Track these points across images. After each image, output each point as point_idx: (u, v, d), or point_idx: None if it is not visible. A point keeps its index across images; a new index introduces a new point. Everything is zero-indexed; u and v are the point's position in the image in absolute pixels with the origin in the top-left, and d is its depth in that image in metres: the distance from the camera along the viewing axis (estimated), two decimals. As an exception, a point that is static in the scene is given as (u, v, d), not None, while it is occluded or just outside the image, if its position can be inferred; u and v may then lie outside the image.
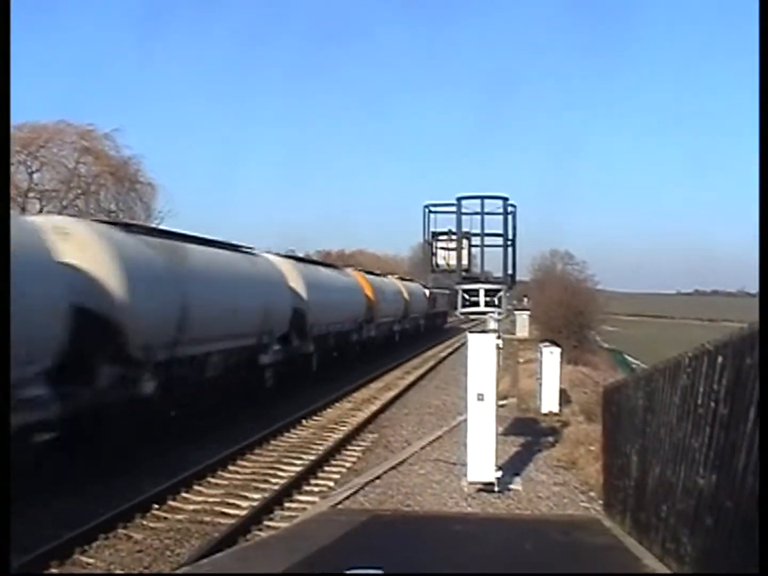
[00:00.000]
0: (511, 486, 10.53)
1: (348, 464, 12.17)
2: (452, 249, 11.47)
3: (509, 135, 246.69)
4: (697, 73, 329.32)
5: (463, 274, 11.64)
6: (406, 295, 37.76)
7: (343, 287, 25.35)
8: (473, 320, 31.68)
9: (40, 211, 31.03)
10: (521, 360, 27.31)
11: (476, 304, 11.43)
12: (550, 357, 16.72)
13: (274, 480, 10.98)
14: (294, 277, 19.29)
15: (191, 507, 9.60)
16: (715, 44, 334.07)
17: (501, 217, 11.33)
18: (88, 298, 10.14)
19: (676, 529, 4.78)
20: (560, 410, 16.50)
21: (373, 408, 17.49)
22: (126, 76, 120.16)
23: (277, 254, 21.21)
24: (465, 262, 11.54)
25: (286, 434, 14.25)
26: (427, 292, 45.20)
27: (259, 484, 10.80)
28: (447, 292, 41.16)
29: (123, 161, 36.99)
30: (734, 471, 3.77)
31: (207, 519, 9.14)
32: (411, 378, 24.10)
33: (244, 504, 9.75)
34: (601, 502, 8.77)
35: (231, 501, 9.90)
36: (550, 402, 16.50)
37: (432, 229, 11.60)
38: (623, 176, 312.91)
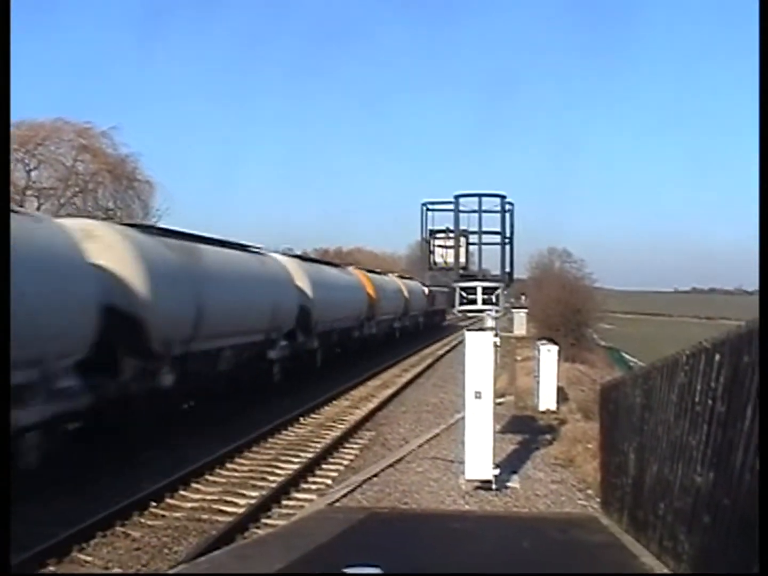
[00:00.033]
0: (509, 484, 10.54)
1: (346, 462, 12.18)
2: (450, 247, 11.47)
3: (509, 135, 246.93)
4: (697, 73, 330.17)
5: (461, 272, 11.64)
6: (406, 293, 38.11)
7: (345, 285, 26.00)
8: (471, 318, 31.71)
9: (38, 209, 30.97)
10: (519, 358, 27.32)
11: (474, 302, 11.44)
12: (548, 355, 16.74)
13: (271, 478, 10.99)
14: (300, 276, 20.09)
15: (189, 505, 9.60)
16: (715, 44, 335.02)
17: (499, 215, 11.34)
18: (114, 296, 10.87)
19: (674, 526, 4.79)
20: (558, 408, 16.53)
21: (371, 406, 17.50)
22: (126, 75, 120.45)
23: (284, 254, 22.17)
24: (462, 259, 11.55)
25: (284, 432, 14.25)
26: (426, 290, 45.31)
27: (257, 481, 10.80)
28: (445, 290, 41.23)
29: (121, 159, 36.95)
30: (732, 469, 3.77)
31: (205, 517, 9.14)
32: (409, 375, 24.12)
33: (242, 502, 9.76)
34: (598, 499, 8.78)
35: (229, 499, 9.90)
36: (547, 400, 16.52)
37: (429, 227, 11.60)
38: (622, 175, 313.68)
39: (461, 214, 11.30)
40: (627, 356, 39.52)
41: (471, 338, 10.36)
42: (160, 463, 11.12)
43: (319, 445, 13.13)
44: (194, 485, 10.40)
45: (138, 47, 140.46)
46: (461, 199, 11.24)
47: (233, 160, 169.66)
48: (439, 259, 11.66)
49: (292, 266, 20.10)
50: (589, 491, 10.10)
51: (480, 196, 11.15)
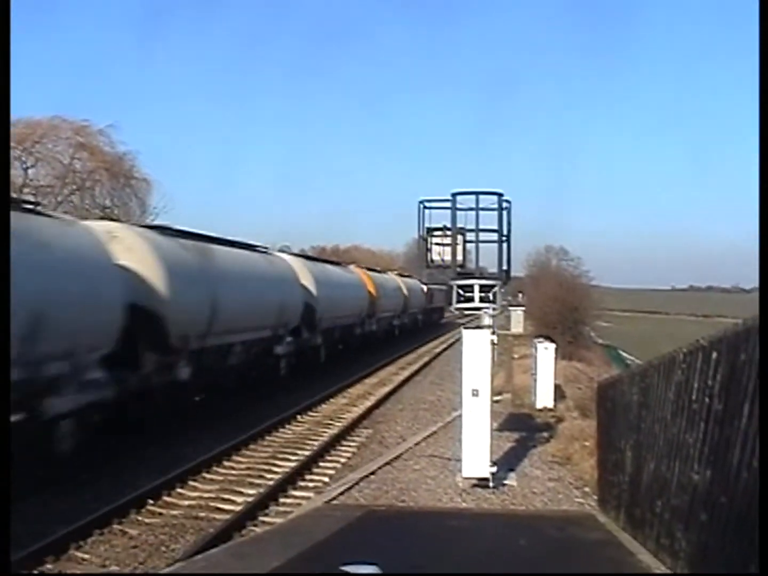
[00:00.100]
0: (506, 481, 10.55)
1: (343, 460, 12.18)
2: (447, 245, 11.47)
3: (508, 134, 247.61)
4: (697, 73, 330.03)
5: (458, 269, 11.64)
6: (405, 291, 38.49)
7: (347, 283, 26.63)
8: (469, 315, 31.73)
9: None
10: (516, 356, 27.35)
11: (471, 299, 11.44)
12: (545, 353, 16.75)
13: (269, 475, 10.98)
14: (305, 275, 20.89)
15: (186, 502, 9.59)
16: (715, 44, 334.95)
17: (496, 213, 11.33)
18: (137, 294, 11.53)
19: (671, 524, 4.80)
20: (555, 406, 16.53)
21: (368, 403, 17.50)
22: (126, 75, 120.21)
23: (288, 252, 23.17)
24: (460, 257, 11.55)
25: (281, 430, 14.25)
26: (424, 288, 45.34)
27: (254, 479, 10.80)
28: (443, 287, 41.21)
29: (118, 157, 36.81)
30: (729, 466, 3.77)
31: (202, 514, 9.13)
32: (406, 373, 24.13)
33: (239, 499, 9.75)
34: (595, 497, 8.80)
35: (226, 496, 9.90)
36: (544, 398, 16.52)
37: (427, 225, 11.61)
38: (621, 175, 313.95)
39: (458, 212, 11.30)
40: (624, 354, 39.57)
41: (468, 336, 10.35)
42: (149, 460, 11.15)
43: (316, 443, 13.12)
44: (191, 483, 10.40)
45: (138, 47, 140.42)
46: (458, 197, 11.23)
47: (233, 160, 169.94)
48: (436, 257, 11.67)
49: (298, 265, 20.88)
50: (586, 489, 10.10)
51: (477, 194, 11.15)
